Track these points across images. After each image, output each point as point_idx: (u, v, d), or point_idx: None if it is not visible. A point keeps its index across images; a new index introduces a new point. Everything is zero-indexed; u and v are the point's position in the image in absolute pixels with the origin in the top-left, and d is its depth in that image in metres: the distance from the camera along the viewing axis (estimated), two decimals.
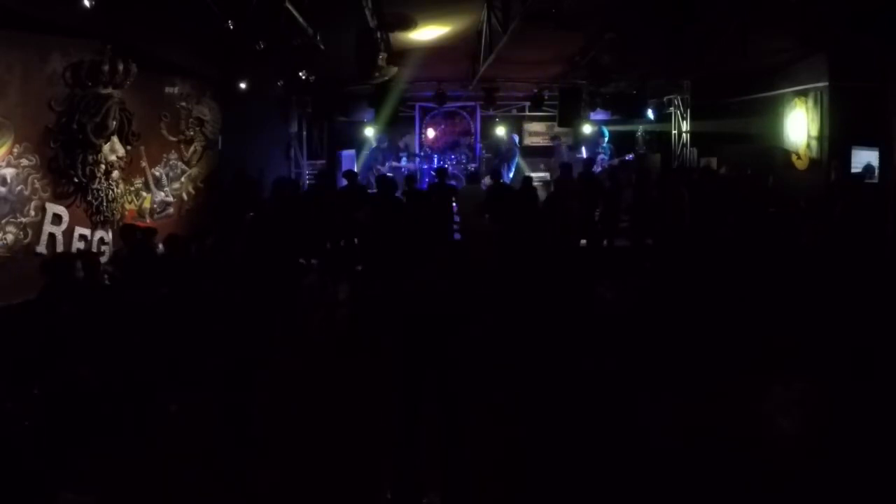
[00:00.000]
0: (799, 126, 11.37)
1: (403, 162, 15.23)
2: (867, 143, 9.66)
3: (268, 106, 12.22)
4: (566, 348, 6.55)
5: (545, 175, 14.66)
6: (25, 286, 5.97)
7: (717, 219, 9.24)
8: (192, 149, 9.65)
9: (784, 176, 11.48)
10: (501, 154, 15.40)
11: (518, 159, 15.41)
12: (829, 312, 6.89)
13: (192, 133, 9.62)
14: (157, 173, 9.07)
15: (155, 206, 9.05)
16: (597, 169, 13.03)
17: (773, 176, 11.36)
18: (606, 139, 15.54)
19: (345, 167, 13.37)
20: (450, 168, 14.16)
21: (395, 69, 9.87)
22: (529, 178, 10.76)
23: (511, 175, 14.43)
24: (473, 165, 15.28)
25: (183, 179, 9.52)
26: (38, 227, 7.00)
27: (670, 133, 14.80)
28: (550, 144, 16.08)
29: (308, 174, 13.79)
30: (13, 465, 3.97)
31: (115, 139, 7.82)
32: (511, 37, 8.40)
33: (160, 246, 7.62)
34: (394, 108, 13.17)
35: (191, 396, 5.43)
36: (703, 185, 10.20)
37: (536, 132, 16.40)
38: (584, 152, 15.24)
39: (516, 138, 15.75)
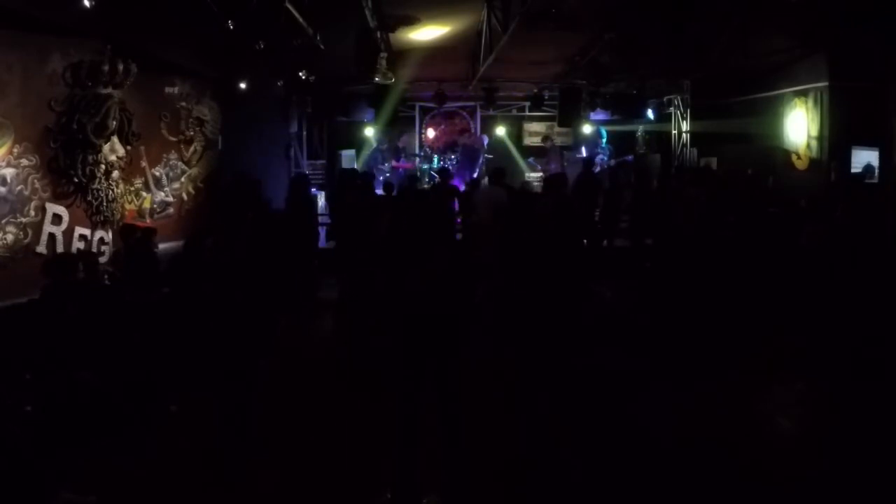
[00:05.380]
0: (799, 126, 11.37)
1: (401, 162, 15.22)
2: (867, 143, 9.66)
3: (268, 106, 12.20)
4: (566, 348, 6.55)
5: (540, 175, 14.64)
6: (25, 286, 5.97)
7: (717, 219, 9.23)
8: (192, 149, 9.64)
9: (784, 176, 11.48)
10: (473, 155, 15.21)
11: (484, 159, 15.19)
12: (829, 313, 6.89)
13: (192, 133, 9.61)
14: (157, 173, 9.07)
15: (155, 206, 9.04)
16: (595, 169, 13.02)
17: (773, 176, 11.36)
18: (604, 140, 15.54)
19: (344, 167, 13.37)
20: (450, 168, 14.14)
21: (394, 73, 9.86)
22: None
23: (475, 176, 14.05)
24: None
25: (183, 179, 9.51)
26: (38, 227, 7.00)
27: (670, 133, 14.80)
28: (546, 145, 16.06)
29: (308, 174, 13.76)
30: (13, 465, 3.97)
31: (115, 139, 7.82)
32: (511, 37, 8.40)
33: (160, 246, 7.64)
34: (394, 109, 13.17)
35: (191, 396, 5.43)
36: (700, 185, 10.18)
37: (536, 132, 16.41)
38: (583, 152, 15.25)
39: (485, 139, 15.67)
